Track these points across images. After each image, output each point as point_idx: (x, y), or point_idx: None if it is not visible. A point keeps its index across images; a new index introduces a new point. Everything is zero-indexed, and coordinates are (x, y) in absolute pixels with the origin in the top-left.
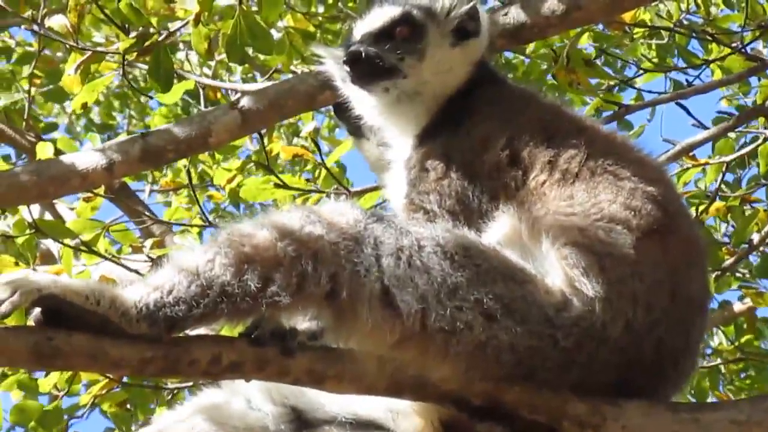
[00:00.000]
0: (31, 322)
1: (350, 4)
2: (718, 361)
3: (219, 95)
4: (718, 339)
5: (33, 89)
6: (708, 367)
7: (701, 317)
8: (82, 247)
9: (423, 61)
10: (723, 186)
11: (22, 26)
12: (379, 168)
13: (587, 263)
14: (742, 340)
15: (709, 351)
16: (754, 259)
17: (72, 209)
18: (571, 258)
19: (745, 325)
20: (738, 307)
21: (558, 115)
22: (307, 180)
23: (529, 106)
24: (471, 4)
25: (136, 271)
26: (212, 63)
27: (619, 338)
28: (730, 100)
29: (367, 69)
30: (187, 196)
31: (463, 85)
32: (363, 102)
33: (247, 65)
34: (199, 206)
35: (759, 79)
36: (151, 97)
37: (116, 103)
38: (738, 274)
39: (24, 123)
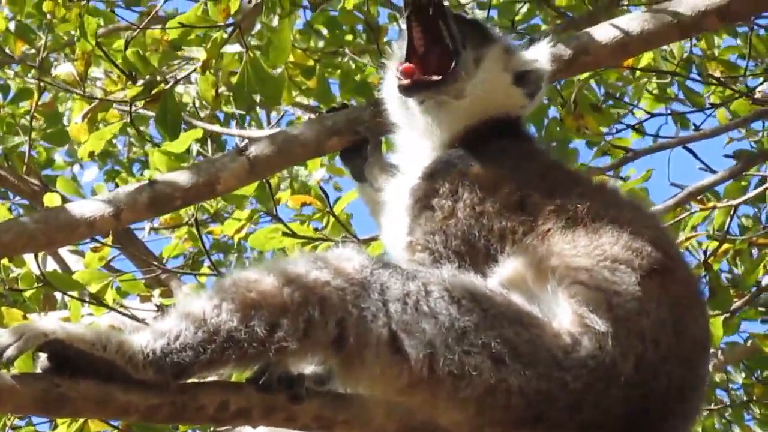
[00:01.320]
0: (38, 370)
1: (348, 38)
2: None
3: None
4: (745, 374)
5: (33, 131)
6: (718, 408)
7: (705, 356)
8: (91, 300)
9: (478, 65)
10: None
11: (28, 74)
12: (380, 212)
13: (595, 300)
14: (766, 373)
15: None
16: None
17: (74, 252)
18: (579, 295)
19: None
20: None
21: (560, 169)
22: (315, 229)
23: (535, 159)
24: (542, 69)
25: (144, 321)
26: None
27: (629, 375)
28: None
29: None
30: (186, 233)
31: (490, 125)
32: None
33: None
34: (204, 249)
35: (763, 124)
36: (158, 145)
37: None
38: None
39: (24, 167)
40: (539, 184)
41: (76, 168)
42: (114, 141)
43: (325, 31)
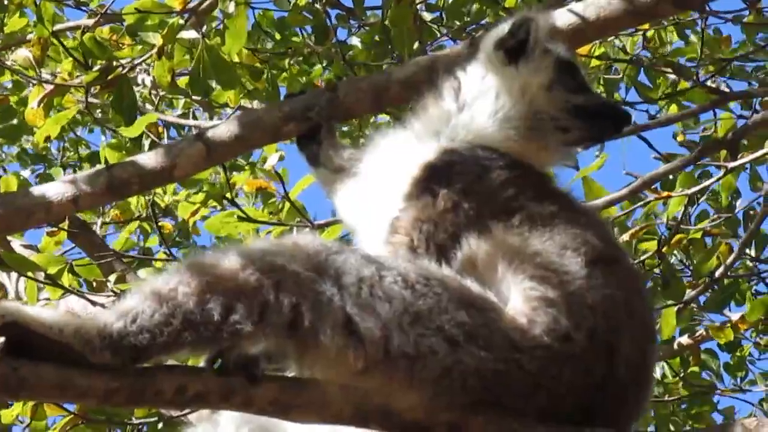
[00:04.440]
0: None
1: (295, 39)
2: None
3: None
4: (662, 371)
5: None
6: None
7: (654, 343)
8: (47, 281)
9: None
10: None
11: None
12: (340, 189)
13: (545, 277)
14: (688, 371)
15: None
16: None
17: (28, 247)
18: (529, 272)
19: (690, 358)
20: (684, 340)
21: (544, 176)
22: (270, 213)
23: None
24: None
25: (102, 305)
26: (155, 98)
27: (584, 350)
28: (683, 134)
29: None
30: (138, 228)
31: None
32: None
33: (187, 99)
34: (162, 238)
35: (715, 114)
36: (114, 130)
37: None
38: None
39: None
40: (530, 193)
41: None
42: (48, 145)
43: (273, 32)
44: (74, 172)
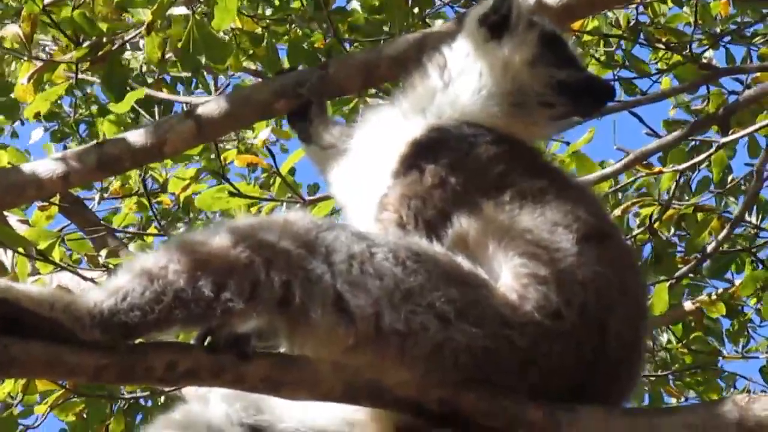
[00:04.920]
0: None
1: (296, 4)
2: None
3: (163, 88)
4: (667, 336)
5: None
6: (659, 375)
7: (645, 320)
8: (37, 256)
9: None
10: (678, 194)
11: None
12: (333, 166)
13: (535, 254)
14: (691, 337)
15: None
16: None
17: (23, 222)
18: (520, 249)
19: (693, 324)
20: (688, 306)
21: (532, 150)
22: (261, 186)
23: (519, 142)
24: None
25: (92, 280)
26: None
27: (575, 327)
28: (688, 107)
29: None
30: (136, 203)
31: None
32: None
33: None
34: (154, 214)
35: (708, 89)
36: (104, 106)
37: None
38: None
39: None
40: (519, 168)
41: (17, 125)
42: (60, 102)
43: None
44: (88, 127)
